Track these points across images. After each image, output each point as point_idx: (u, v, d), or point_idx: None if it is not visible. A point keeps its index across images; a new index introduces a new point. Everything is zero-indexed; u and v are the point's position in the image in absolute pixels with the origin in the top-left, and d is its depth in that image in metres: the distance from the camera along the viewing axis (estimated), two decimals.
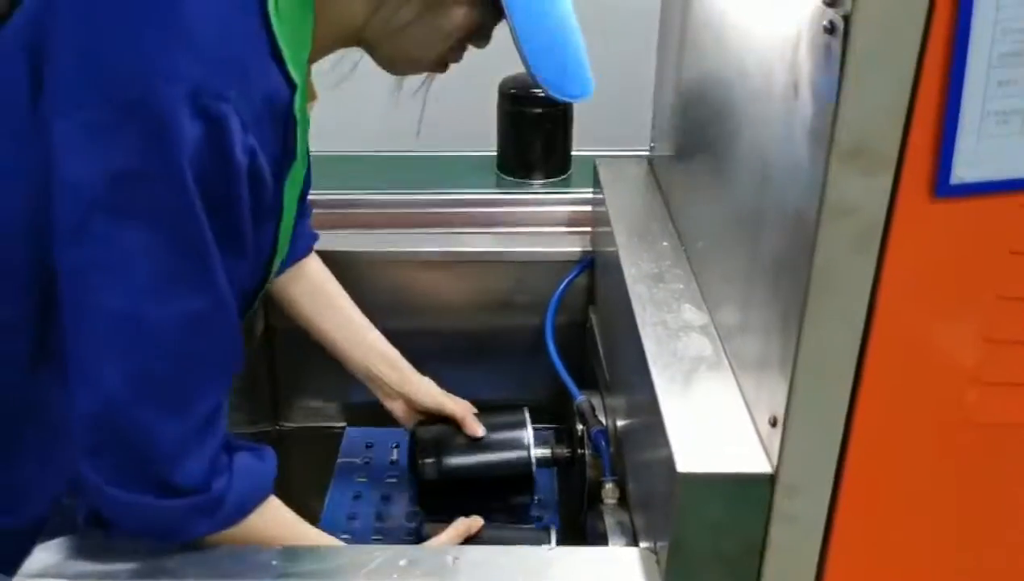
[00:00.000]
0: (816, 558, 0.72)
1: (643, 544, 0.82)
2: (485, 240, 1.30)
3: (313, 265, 1.14)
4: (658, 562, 0.76)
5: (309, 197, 1.06)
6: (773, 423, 0.69)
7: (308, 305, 1.13)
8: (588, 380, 1.18)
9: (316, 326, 1.13)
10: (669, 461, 0.71)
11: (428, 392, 1.13)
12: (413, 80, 0.92)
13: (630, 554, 0.79)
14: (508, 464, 1.09)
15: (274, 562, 0.78)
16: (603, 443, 1.01)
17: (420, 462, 1.08)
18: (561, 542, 0.98)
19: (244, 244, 0.76)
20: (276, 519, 0.84)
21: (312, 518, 1.18)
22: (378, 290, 1.27)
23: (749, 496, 0.70)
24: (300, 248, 1.10)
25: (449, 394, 1.14)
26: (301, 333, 1.18)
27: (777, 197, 0.71)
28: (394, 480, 1.23)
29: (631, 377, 0.90)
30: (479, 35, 0.86)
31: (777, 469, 0.69)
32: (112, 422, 0.73)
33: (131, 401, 0.72)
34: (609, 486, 0.99)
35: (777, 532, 0.71)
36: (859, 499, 0.70)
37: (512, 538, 1.03)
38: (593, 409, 1.06)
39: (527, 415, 1.12)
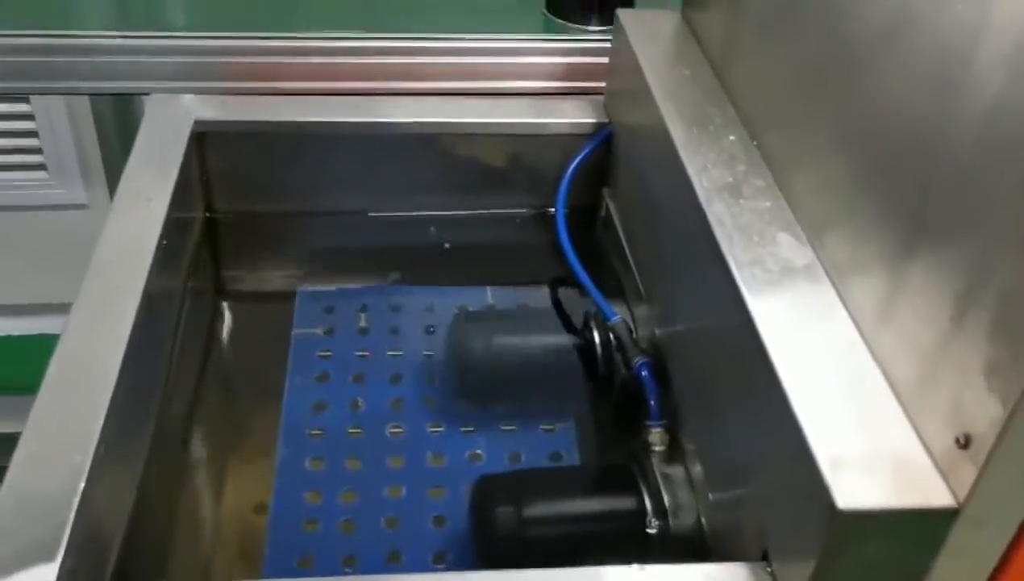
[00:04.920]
0: None
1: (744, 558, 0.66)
2: (471, 108, 1.06)
3: None
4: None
5: None
6: (963, 443, 0.52)
7: None
8: (603, 279, 0.97)
9: None
10: (816, 488, 0.54)
11: None
12: None
13: (736, 573, 0.63)
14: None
15: None
16: (649, 379, 0.83)
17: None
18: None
19: None
20: None
21: (270, 395, 0.97)
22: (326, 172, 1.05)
23: (923, 531, 0.54)
24: None
25: None
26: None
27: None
28: (366, 354, 1.03)
29: (716, 330, 0.72)
30: None
31: (965, 501, 0.53)
32: None
33: None
34: (657, 431, 0.82)
35: (943, 565, 0.56)
36: None
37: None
38: (631, 332, 0.88)
39: None
